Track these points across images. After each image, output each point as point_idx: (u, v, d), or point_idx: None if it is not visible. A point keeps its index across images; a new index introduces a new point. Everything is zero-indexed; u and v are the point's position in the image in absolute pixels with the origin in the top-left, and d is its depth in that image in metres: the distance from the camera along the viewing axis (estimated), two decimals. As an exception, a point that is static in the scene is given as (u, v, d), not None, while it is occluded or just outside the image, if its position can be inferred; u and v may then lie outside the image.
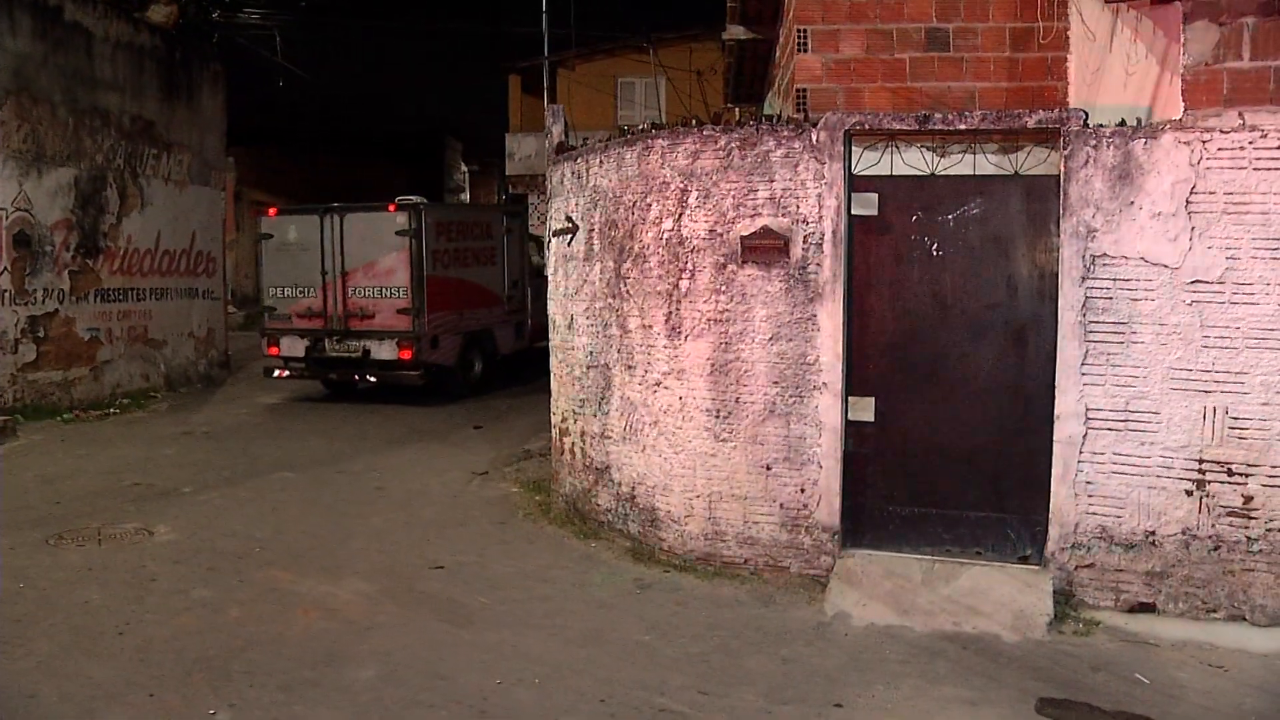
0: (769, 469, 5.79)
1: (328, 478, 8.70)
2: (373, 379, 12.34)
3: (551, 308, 7.41)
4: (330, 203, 12.63)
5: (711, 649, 5.00)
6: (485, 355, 13.67)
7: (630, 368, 6.31)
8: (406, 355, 11.96)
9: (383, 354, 12.02)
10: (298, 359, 12.45)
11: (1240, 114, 5.11)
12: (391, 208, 12.18)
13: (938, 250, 5.54)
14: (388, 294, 11.98)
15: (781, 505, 5.81)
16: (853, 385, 5.69)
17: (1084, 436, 5.26)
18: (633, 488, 6.39)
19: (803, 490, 5.71)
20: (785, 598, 5.66)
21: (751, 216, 5.74)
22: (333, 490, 8.27)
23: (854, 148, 5.62)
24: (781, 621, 5.34)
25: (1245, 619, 5.16)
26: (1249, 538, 5.14)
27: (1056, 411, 5.29)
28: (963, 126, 5.47)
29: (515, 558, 6.46)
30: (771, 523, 5.83)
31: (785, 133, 5.65)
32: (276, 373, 12.70)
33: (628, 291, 6.27)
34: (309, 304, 12.35)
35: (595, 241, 6.59)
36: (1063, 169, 5.27)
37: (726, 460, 5.90)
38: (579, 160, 6.78)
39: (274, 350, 12.58)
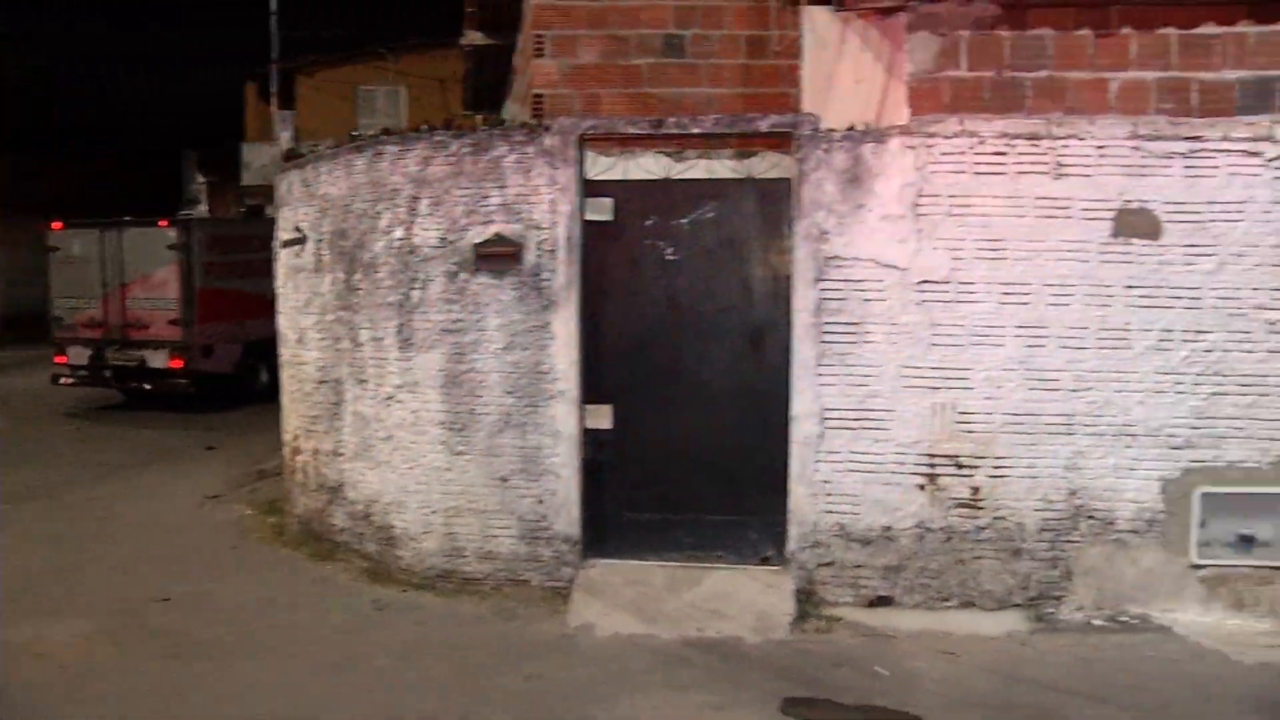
0: (506, 481, 6.01)
1: (49, 509, 8.43)
2: (148, 386, 13.59)
3: (281, 322, 7.42)
4: (102, 216, 14.03)
5: (454, 670, 5.15)
6: (272, 363, 14.16)
7: (362, 382, 6.42)
8: (178, 364, 13.34)
9: (156, 363, 13.41)
10: (82, 367, 13.84)
11: (961, 121, 5.77)
12: (164, 223, 13.65)
13: (673, 254, 5.93)
14: (161, 305, 13.42)
15: (520, 518, 6.04)
16: (589, 393, 5.98)
17: (820, 436, 5.76)
18: (368, 506, 6.49)
19: (541, 501, 5.98)
20: (528, 612, 5.89)
21: (484, 223, 5.97)
22: (55, 521, 8.03)
23: (589, 153, 5.95)
24: (525, 637, 5.56)
25: (975, 605, 5.79)
26: (978, 527, 5.78)
27: (793, 412, 5.77)
28: (697, 131, 5.91)
29: (248, 585, 6.45)
30: (511, 536, 6.05)
31: (518, 137, 5.93)
32: (62, 380, 14.07)
33: (359, 303, 6.39)
34: (92, 314, 13.78)
35: (325, 252, 6.67)
36: (796, 173, 5.78)
37: (463, 474, 6.10)
38: (308, 168, 6.86)
39: (61, 359, 14.03)
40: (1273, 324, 5.71)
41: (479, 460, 6.07)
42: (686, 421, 5.99)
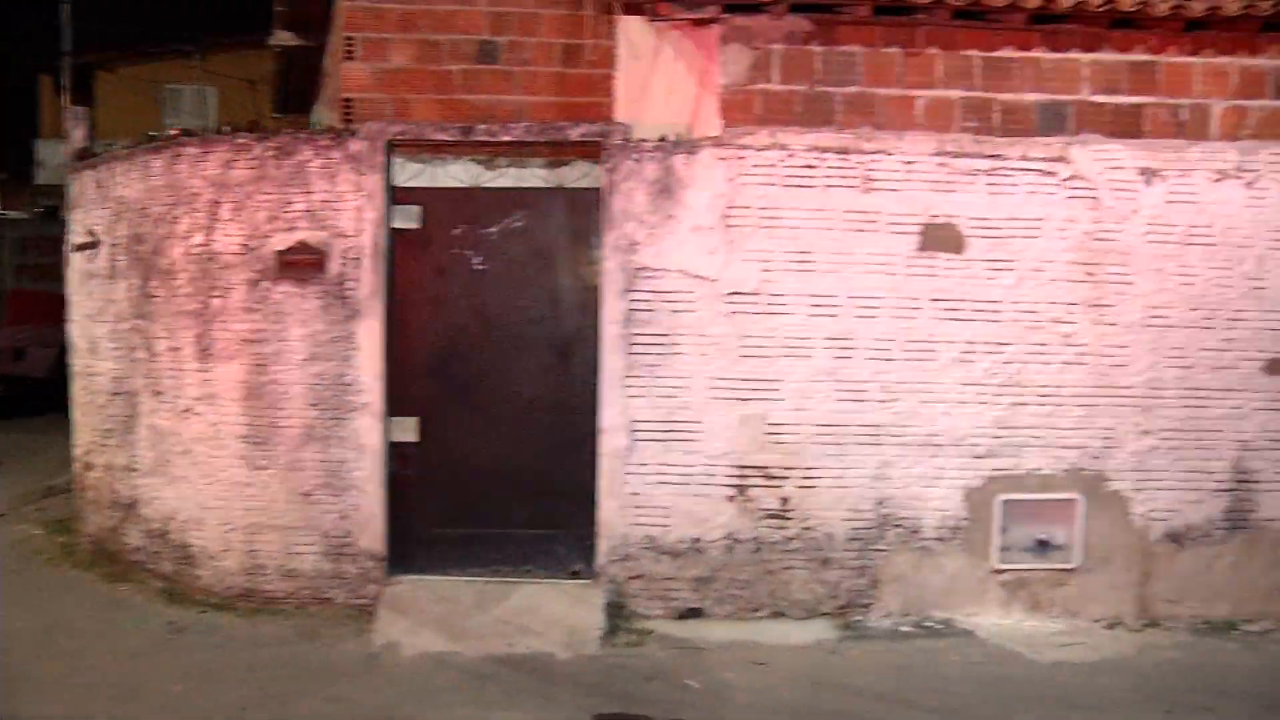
0: (309, 496, 6.10)
1: None
2: None
3: (73, 330, 7.37)
4: None
5: (253, 694, 5.15)
6: None
7: (159, 394, 6.44)
8: None
9: None
10: None
11: (772, 133, 6.11)
12: None
13: (482, 264, 6.08)
14: None
15: (324, 534, 6.12)
16: (395, 405, 6.09)
17: (630, 448, 6.02)
18: (164, 523, 6.49)
19: (345, 517, 6.09)
20: (332, 631, 5.94)
21: (288, 230, 6.07)
22: None
23: (397, 159, 6.08)
24: (328, 657, 5.62)
25: (785, 614, 6.10)
26: (787, 537, 6.11)
27: (602, 424, 5.98)
28: (507, 138, 6.11)
29: (35, 609, 6.32)
30: (314, 553, 6.14)
31: (323, 142, 6.05)
32: None
33: (155, 311, 6.40)
34: None
35: (120, 258, 6.67)
36: (606, 182, 6.04)
37: (264, 489, 6.15)
38: (102, 169, 6.83)
39: None
40: (1068, 337, 6.21)
41: (281, 475, 6.12)
42: (495, 435, 6.14)
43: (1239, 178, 6.43)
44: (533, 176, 6.14)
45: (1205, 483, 6.48)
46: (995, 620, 6.22)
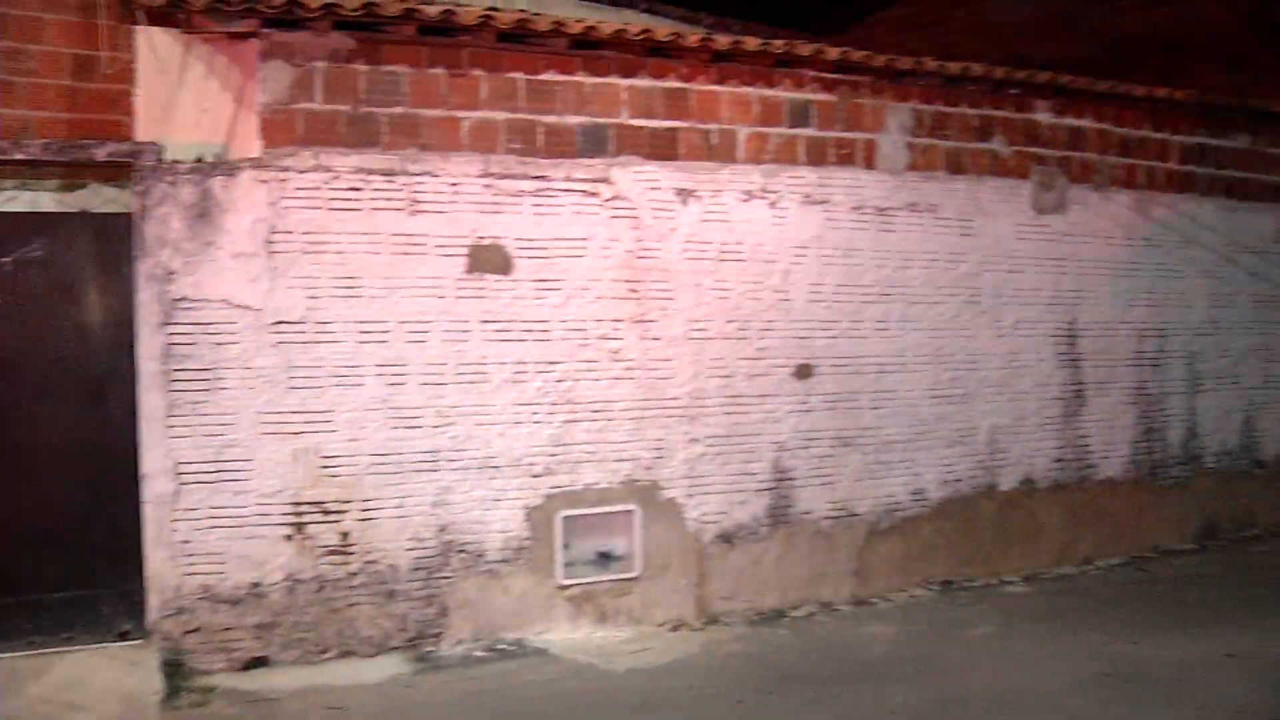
0: None
1: None
2: None
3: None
4: None
5: None
6: None
7: None
8: None
9: None
10: None
11: (316, 154, 6.45)
12: None
13: (-7, 298, 6.02)
14: None
15: None
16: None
17: (176, 493, 6.11)
18: None
19: None
20: None
21: None
22: None
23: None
24: None
25: (355, 653, 6.42)
26: (350, 573, 6.48)
27: (144, 469, 6.00)
28: (20, 157, 6.08)
29: None
30: None
31: None
32: None
33: None
34: None
35: None
36: (138, 207, 6.17)
37: None
38: None
39: None
40: (616, 353, 7.09)
41: None
42: (20, 490, 5.99)
43: (764, 198, 7.65)
44: (49, 200, 6.15)
45: (749, 484, 7.63)
46: (566, 635, 6.90)
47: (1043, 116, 8.81)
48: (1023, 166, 8.71)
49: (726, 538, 7.48)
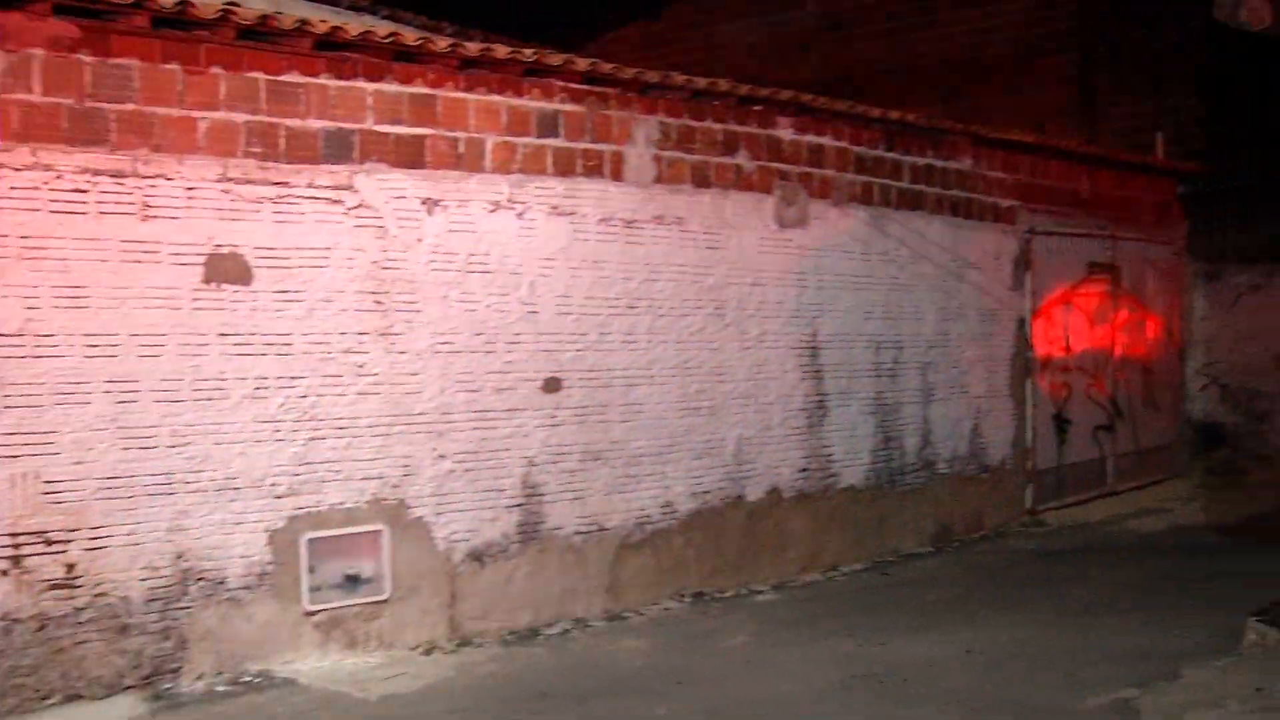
0: None
1: None
2: None
3: None
4: None
5: None
6: None
7: None
8: None
9: None
10: None
11: (34, 151, 6.08)
12: None
13: None
14: None
15: None
16: None
17: (-128, 525, 5.82)
18: None
19: None
20: None
21: None
22: None
23: None
24: None
25: (83, 696, 6.16)
26: (77, 608, 6.16)
27: None
28: None
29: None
30: None
31: None
32: None
33: None
34: None
35: None
36: None
37: None
38: None
39: None
40: (360, 367, 7.11)
41: None
42: None
43: (512, 208, 7.83)
44: None
45: (499, 500, 7.77)
46: (314, 664, 6.82)
47: (785, 133, 9.34)
48: (766, 181, 9.21)
49: (477, 556, 7.60)
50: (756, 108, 9.13)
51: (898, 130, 10.12)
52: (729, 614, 8.29)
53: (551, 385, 7.99)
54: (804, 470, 9.50)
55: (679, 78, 8.44)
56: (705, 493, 8.84)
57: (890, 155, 10.16)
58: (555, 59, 7.75)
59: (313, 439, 6.90)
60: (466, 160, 7.58)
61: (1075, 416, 11.85)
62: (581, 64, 7.86)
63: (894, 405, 10.18)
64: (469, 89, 7.59)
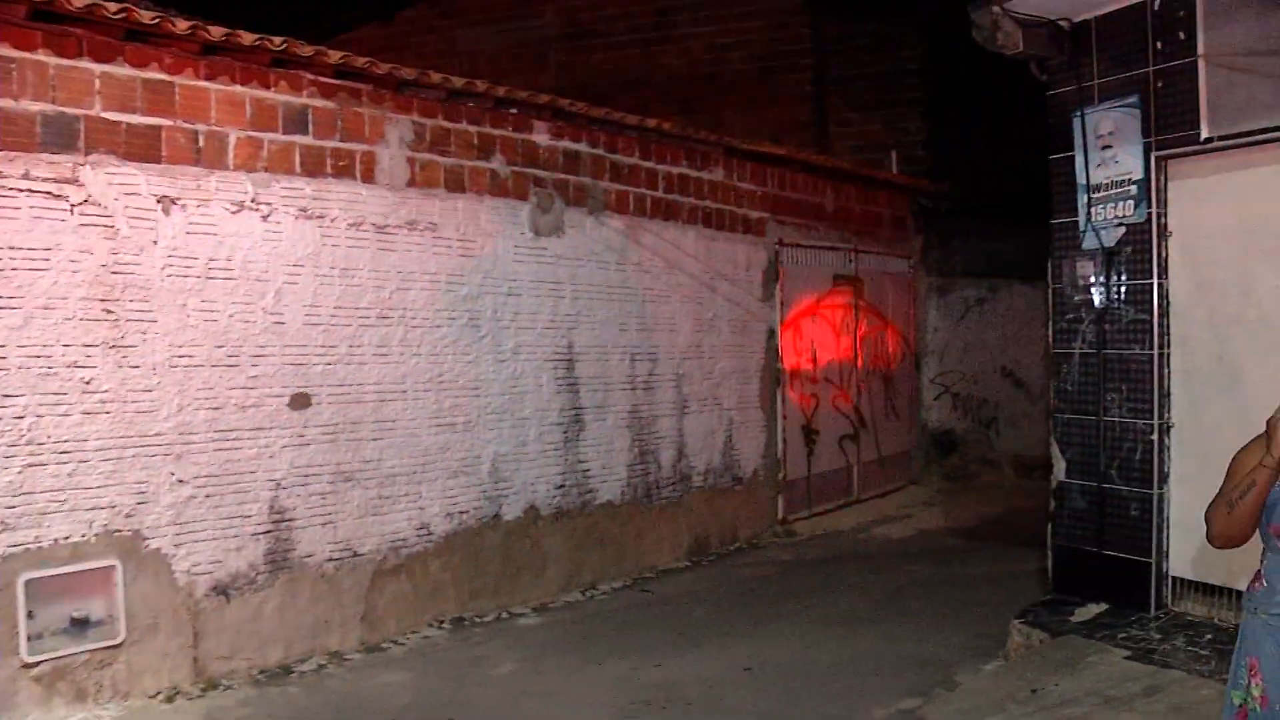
0: None
1: None
2: None
3: None
4: None
5: None
6: None
7: None
8: None
9: None
10: None
11: None
12: None
13: None
14: None
15: None
16: None
17: None
18: None
19: None
20: None
21: None
22: None
23: None
24: None
25: None
26: None
27: None
28: None
29: None
30: None
31: None
32: None
33: None
34: None
35: None
36: None
37: None
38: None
39: None
40: (87, 383, 6.34)
41: None
42: None
43: (256, 210, 7.22)
44: None
45: (245, 527, 7.13)
46: (37, 723, 6.04)
47: (541, 138, 9.06)
48: (522, 187, 8.90)
49: (222, 590, 6.96)
50: (512, 111, 8.79)
51: (653, 138, 9.98)
52: (492, 639, 7.90)
53: (300, 401, 7.42)
54: (561, 487, 9.21)
55: (435, 76, 8.02)
56: (462, 513, 8.42)
57: (646, 164, 10.01)
58: (306, 50, 7.20)
59: (31, 465, 6.12)
60: (207, 156, 6.94)
61: (823, 427, 12.02)
62: (334, 56, 7.34)
63: (650, 418, 10.02)
64: (211, 77, 6.96)
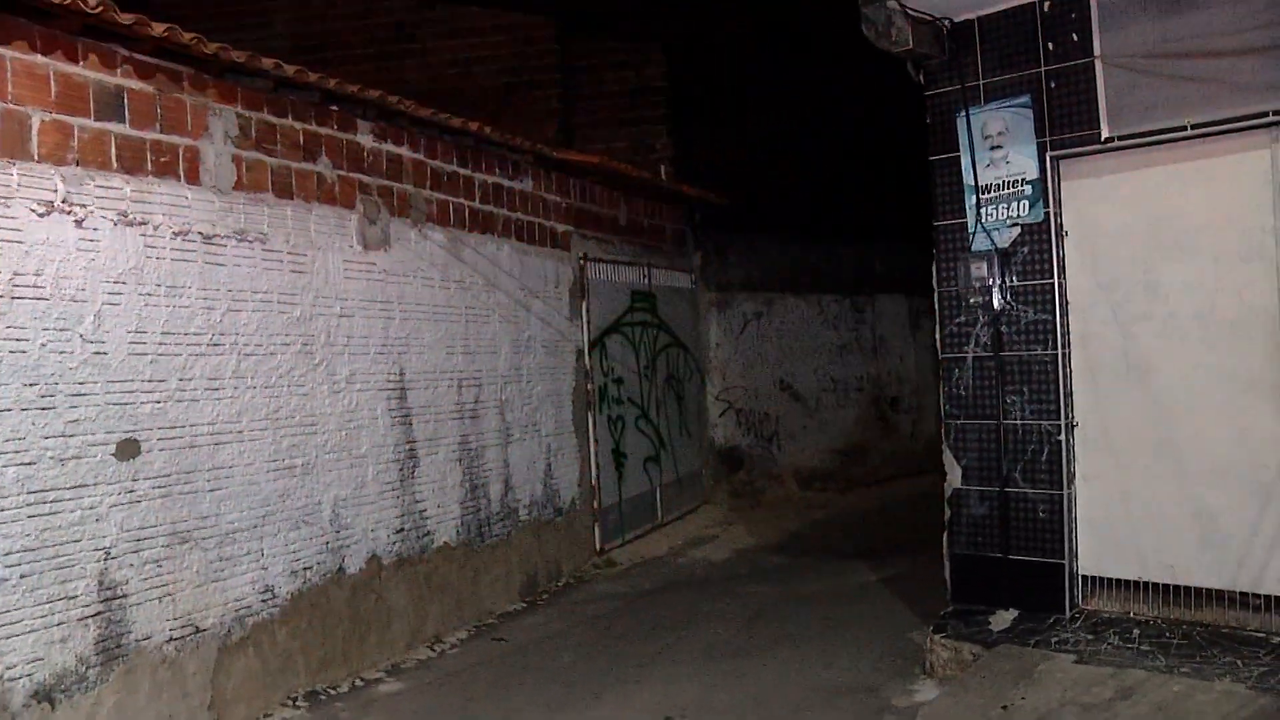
0: None
1: None
2: None
3: None
4: None
5: None
6: None
7: None
8: None
9: None
10: None
11: None
12: None
13: None
14: None
15: None
16: None
17: None
18: None
19: None
20: None
21: None
22: None
23: None
24: None
25: None
26: None
27: None
28: None
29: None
30: None
31: None
32: None
33: None
34: None
35: None
36: None
37: None
38: None
39: None
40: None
41: None
42: None
43: (69, 213, 5.54)
44: None
45: (70, 611, 5.42)
46: None
47: (366, 140, 7.66)
48: (349, 195, 7.47)
49: (46, 694, 5.25)
50: (335, 108, 7.34)
51: (470, 144, 8.70)
52: (355, 716, 6.42)
53: (128, 449, 5.76)
54: (400, 530, 7.79)
55: (266, 61, 6.52)
56: (306, 569, 6.89)
57: (464, 171, 8.73)
58: (125, 17, 5.56)
59: None
60: (8, 142, 5.19)
61: (629, 449, 10.99)
62: (157, 29, 5.73)
63: (478, 449, 8.73)
64: (6, 41, 5.21)
